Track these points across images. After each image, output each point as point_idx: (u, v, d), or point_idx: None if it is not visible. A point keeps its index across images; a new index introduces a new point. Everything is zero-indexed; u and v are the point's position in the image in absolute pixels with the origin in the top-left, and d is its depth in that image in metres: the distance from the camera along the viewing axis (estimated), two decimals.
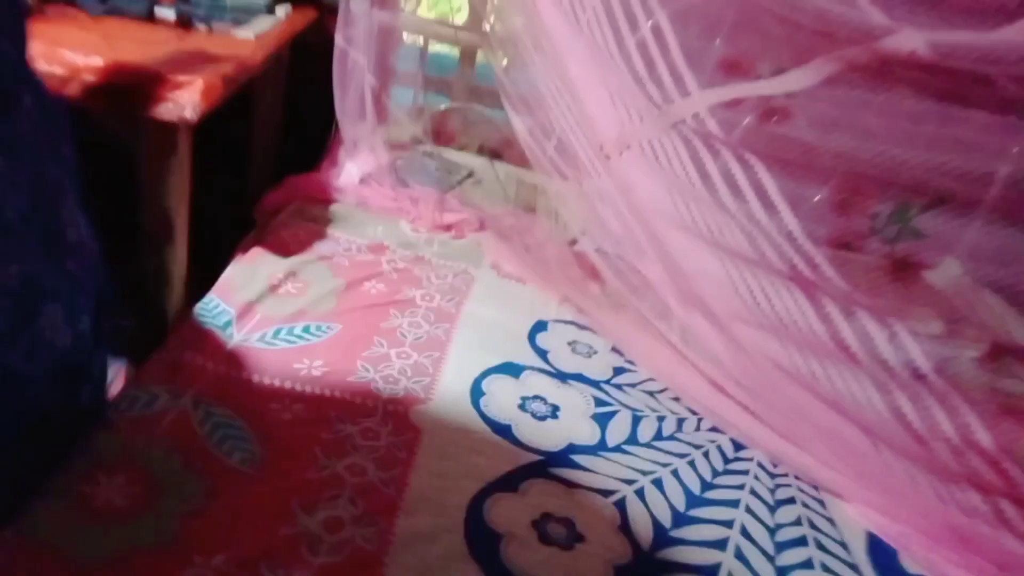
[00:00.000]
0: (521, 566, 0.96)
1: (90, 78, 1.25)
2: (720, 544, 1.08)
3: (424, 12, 2.26)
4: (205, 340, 1.23)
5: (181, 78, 1.25)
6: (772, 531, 1.12)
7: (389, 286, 1.51)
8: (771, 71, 1.32)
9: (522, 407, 1.26)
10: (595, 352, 1.47)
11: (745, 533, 1.11)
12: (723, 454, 1.27)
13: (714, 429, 1.32)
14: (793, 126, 1.39)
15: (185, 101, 1.25)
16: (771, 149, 1.25)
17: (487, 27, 1.81)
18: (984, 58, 0.98)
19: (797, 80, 1.22)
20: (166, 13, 1.53)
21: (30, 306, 0.81)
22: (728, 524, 1.12)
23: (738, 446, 1.29)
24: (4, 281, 0.77)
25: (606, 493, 1.12)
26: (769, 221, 1.23)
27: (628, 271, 1.52)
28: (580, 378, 1.37)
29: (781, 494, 1.20)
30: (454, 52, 2.25)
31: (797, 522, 1.15)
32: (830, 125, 1.27)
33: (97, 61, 1.25)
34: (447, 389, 1.26)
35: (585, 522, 1.05)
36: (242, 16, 1.73)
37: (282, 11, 1.88)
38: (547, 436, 1.20)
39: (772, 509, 1.17)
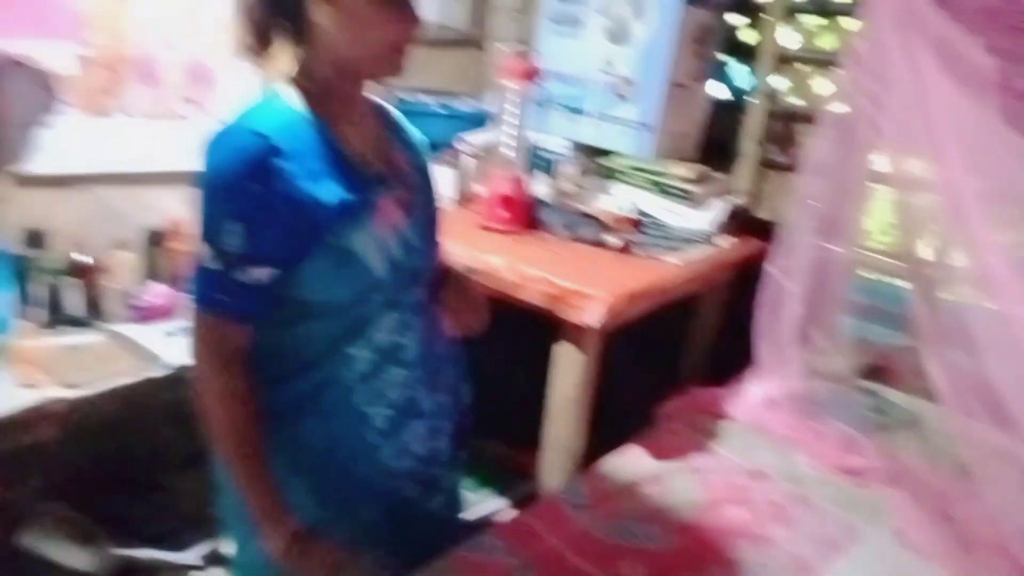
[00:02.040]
0: None
1: (532, 284, 1.60)
2: None
3: (877, 240, 2.16)
4: (556, 515, 1.37)
5: (592, 292, 1.51)
6: None
7: (754, 517, 1.42)
8: None
9: None
10: None
11: None
12: None
13: None
14: None
15: (592, 311, 1.50)
16: None
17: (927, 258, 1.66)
18: None
19: None
20: (613, 240, 1.86)
21: (404, 418, 1.11)
22: None
23: None
24: (394, 397, 1.09)
25: None
26: None
27: None
28: None
29: None
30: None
31: None
32: None
33: (539, 273, 1.60)
34: None
35: None
36: (682, 245, 1.97)
37: (725, 242, 2.06)
38: None
39: None
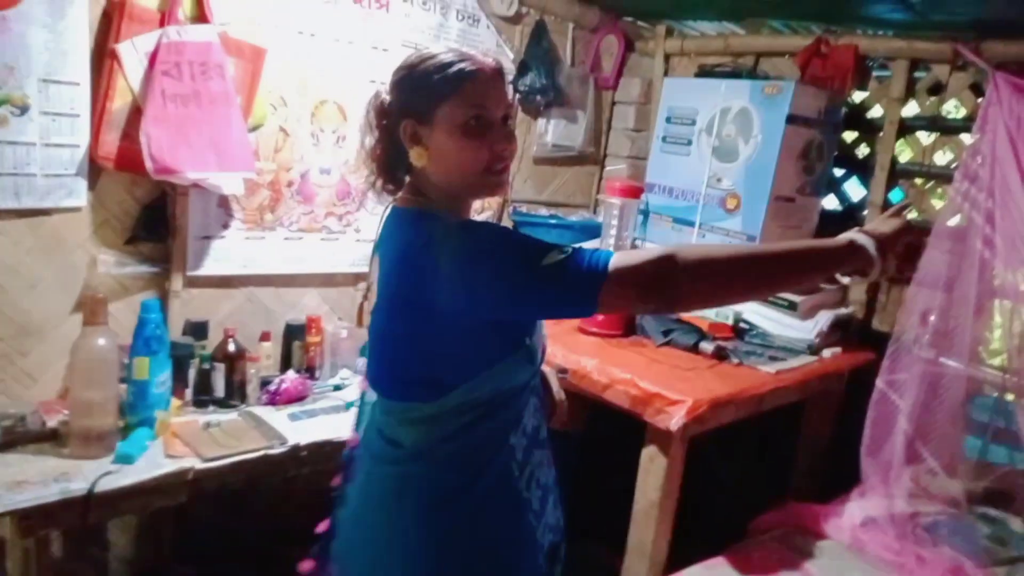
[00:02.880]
0: None
1: (620, 386, 1.68)
2: None
3: (999, 356, 2.03)
4: None
5: (674, 396, 1.56)
6: None
7: None
8: None
9: None
10: None
11: None
12: None
13: None
14: None
15: (674, 415, 1.54)
16: None
17: None
18: None
19: None
20: (707, 347, 1.89)
21: (547, 495, 1.15)
22: None
23: None
24: (541, 478, 1.13)
25: None
26: None
27: None
28: None
29: None
30: None
31: None
32: None
33: (627, 375, 1.67)
34: None
35: None
36: (780, 354, 1.97)
37: (828, 353, 2.03)
38: None
39: None
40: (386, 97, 1.08)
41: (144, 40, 1.65)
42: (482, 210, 2.50)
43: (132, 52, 1.64)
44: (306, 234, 2.08)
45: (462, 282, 0.96)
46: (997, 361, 2.15)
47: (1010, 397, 1.92)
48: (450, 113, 1.01)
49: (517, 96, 2.49)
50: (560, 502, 1.22)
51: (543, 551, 1.14)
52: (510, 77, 2.46)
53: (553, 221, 2.58)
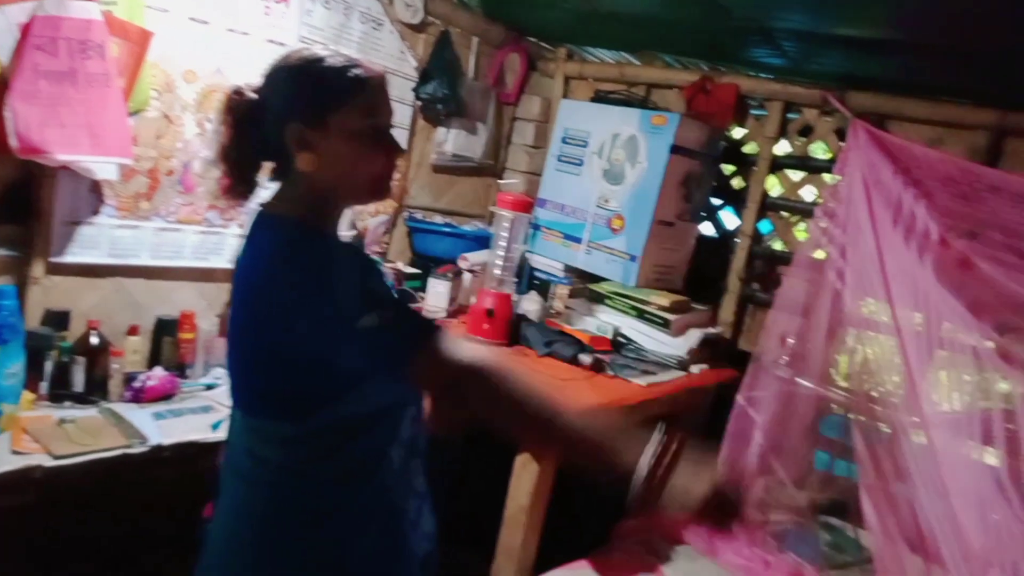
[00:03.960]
0: None
1: None
2: None
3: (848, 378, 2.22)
4: None
5: None
6: None
7: None
8: None
9: None
10: None
11: None
12: None
13: None
14: None
15: None
16: None
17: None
18: None
19: None
20: (585, 359, 1.97)
21: (423, 504, 1.15)
22: None
23: None
24: (418, 487, 1.13)
25: None
26: None
27: None
28: None
29: None
30: None
31: None
32: None
33: None
34: None
35: None
36: (653, 368, 2.07)
37: (696, 368, 2.16)
38: None
39: None
40: (252, 95, 1.02)
41: (16, 9, 1.55)
42: (376, 213, 2.49)
43: (0, 20, 1.54)
44: (185, 226, 2.00)
45: (285, 312, 0.93)
46: (845, 383, 2.35)
47: (852, 416, 2.11)
48: (348, 119, 0.97)
49: (418, 103, 2.51)
50: (433, 509, 1.22)
51: (418, 560, 1.13)
52: (412, 85, 2.47)
53: (447, 229, 2.61)
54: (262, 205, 1.06)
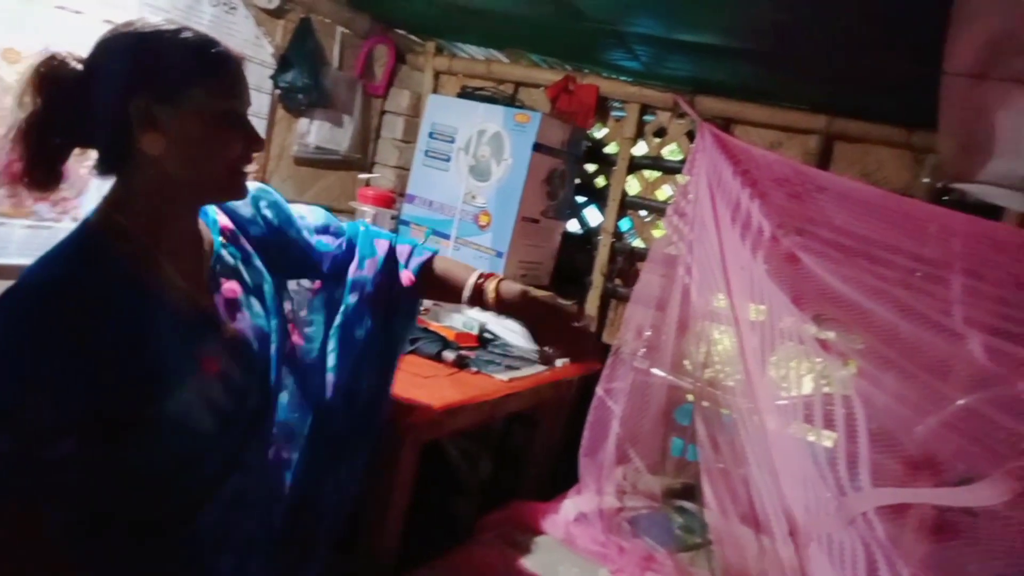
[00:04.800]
0: None
1: None
2: None
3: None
4: None
5: (409, 402, 1.60)
6: None
7: None
8: (957, 479, 1.08)
9: None
10: None
11: None
12: None
13: None
14: (955, 549, 1.06)
15: (406, 420, 1.58)
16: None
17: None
18: None
19: (984, 494, 0.99)
20: (449, 355, 1.97)
21: (249, 554, 1.07)
22: None
23: None
24: (240, 538, 1.05)
25: None
26: None
27: None
28: None
29: None
30: None
31: None
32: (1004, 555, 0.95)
33: None
34: None
35: None
36: (517, 363, 2.10)
37: (559, 363, 2.21)
38: None
39: None
40: (75, 65, 0.88)
41: None
42: None
43: None
44: (9, 220, 1.83)
45: None
46: (696, 372, 2.48)
47: (704, 404, 2.23)
48: (206, 97, 0.88)
49: (277, 92, 2.41)
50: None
51: None
52: (269, 72, 2.37)
53: None
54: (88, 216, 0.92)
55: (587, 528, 1.85)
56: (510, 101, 2.69)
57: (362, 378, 1.32)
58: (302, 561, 1.25)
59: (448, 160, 2.57)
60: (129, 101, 0.86)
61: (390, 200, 2.19)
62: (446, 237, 2.56)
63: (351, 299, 1.29)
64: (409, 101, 2.89)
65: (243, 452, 1.01)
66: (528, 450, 2.42)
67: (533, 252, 2.52)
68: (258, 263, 1.13)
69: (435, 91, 2.87)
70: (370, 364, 1.33)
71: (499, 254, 2.41)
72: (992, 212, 1.83)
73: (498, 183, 2.43)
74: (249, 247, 1.13)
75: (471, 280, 1.29)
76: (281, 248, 1.21)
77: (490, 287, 1.28)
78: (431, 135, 2.63)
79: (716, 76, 2.31)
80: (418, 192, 2.65)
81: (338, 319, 1.29)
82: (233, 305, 1.03)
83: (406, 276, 1.34)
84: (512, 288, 1.29)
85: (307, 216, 1.32)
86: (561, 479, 2.26)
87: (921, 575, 1.06)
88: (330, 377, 1.28)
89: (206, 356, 0.95)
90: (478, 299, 1.29)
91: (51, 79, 0.87)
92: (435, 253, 1.39)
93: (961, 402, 1.17)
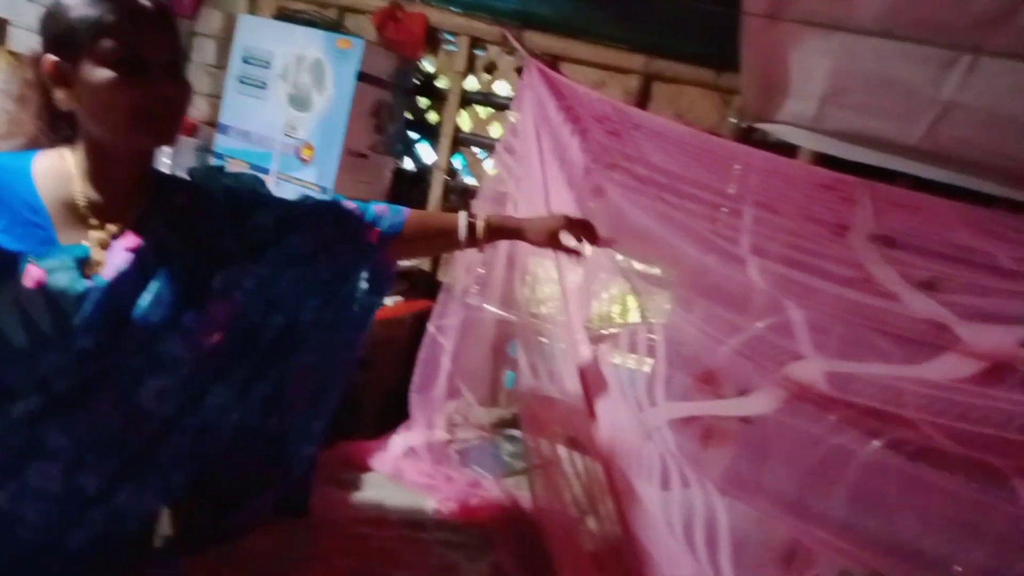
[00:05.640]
0: None
1: None
2: None
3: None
4: None
5: None
6: None
7: (361, 563, 1.48)
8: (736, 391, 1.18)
9: None
10: None
11: None
12: None
13: None
14: (724, 453, 1.19)
15: None
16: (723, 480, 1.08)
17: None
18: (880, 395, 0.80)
19: (756, 404, 1.09)
20: None
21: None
22: None
23: None
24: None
25: None
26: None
27: None
28: None
29: None
30: None
31: None
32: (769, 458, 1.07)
33: None
34: None
35: None
36: None
37: (390, 301, 2.18)
38: None
39: None
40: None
41: None
42: None
43: None
44: None
45: None
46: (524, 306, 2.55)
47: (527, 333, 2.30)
48: (101, 45, 0.92)
49: None
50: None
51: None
52: None
53: None
54: None
55: (416, 462, 1.86)
56: (335, 27, 2.53)
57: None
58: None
59: (264, 88, 2.40)
60: (40, 63, 0.96)
61: (192, 128, 2.00)
62: (266, 172, 2.40)
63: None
64: (222, 23, 2.65)
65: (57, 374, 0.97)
66: (363, 391, 2.38)
67: (362, 188, 2.43)
68: (216, 250, 1.10)
69: (252, 12, 2.65)
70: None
71: (324, 190, 2.30)
72: (792, 151, 1.99)
73: (320, 114, 2.31)
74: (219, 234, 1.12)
75: (462, 220, 1.36)
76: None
77: (481, 223, 1.36)
78: (244, 60, 2.43)
79: (542, 10, 2.30)
80: (232, 122, 2.46)
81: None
82: (123, 257, 1.00)
83: (373, 232, 1.36)
84: (496, 216, 1.42)
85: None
86: (397, 418, 2.25)
87: (711, 483, 1.15)
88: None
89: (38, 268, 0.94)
90: (471, 237, 1.36)
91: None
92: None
93: (752, 330, 1.27)
